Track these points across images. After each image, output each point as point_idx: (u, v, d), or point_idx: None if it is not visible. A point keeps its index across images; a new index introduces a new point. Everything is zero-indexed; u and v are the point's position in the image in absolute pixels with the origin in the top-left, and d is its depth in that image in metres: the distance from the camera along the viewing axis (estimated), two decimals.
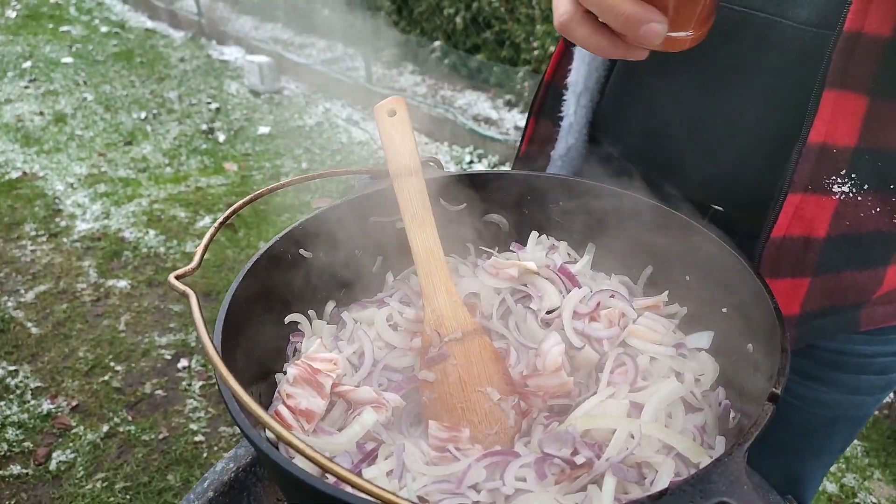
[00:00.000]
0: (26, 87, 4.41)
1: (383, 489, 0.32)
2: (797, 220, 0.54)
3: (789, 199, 0.53)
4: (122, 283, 2.50)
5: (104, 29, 5.67)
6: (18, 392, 2.05)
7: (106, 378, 2.09)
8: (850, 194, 0.56)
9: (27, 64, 4.83)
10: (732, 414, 0.44)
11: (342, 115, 3.94)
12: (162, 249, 2.69)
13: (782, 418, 0.81)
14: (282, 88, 4.33)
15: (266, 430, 0.40)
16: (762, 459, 0.83)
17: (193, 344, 2.22)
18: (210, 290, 2.45)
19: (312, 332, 0.53)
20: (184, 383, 2.08)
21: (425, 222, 0.51)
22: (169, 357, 2.17)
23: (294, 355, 0.52)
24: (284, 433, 0.34)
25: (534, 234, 0.58)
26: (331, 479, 0.38)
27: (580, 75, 0.71)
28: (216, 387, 2.06)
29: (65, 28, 5.69)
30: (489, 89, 3.85)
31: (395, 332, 0.51)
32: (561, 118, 0.71)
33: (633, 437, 0.40)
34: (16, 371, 2.12)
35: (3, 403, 2.01)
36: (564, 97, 0.71)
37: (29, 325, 2.31)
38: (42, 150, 3.55)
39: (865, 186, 0.57)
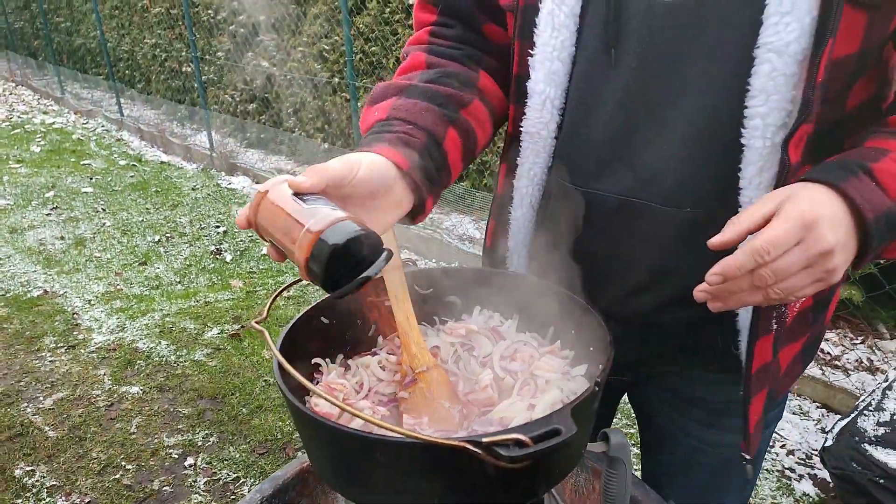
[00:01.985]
0: (48, 215, 4.80)
1: (378, 420, 0.56)
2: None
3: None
4: (135, 389, 2.71)
5: (122, 162, 6.18)
6: (35, 490, 2.20)
7: (117, 476, 2.25)
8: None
9: (50, 193, 5.26)
10: None
11: None
12: (172, 358, 2.92)
13: (698, 462, 1.03)
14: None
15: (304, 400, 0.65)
16: (694, 501, 1.05)
17: (200, 443, 2.40)
18: (216, 393, 2.66)
19: (329, 371, 0.79)
20: (189, 480, 2.24)
21: (405, 300, 0.79)
22: (176, 456, 2.35)
23: (316, 385, 0.77)
24: (311, 386, 0.59)
25: (477, 307, 0.86)
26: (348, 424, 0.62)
27: (524, 193, 0.96)
28: (220, 482, 2.22)
29: (86, 161, 6.21)
30: (473, 212, 4.26)
31: (383, 371, 0.77)
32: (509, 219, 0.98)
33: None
34: (32, 471, 2.28)
35: (19, 501, 2.16)
36: (512, 205, 0.97)
37: (46, 429, 2.50)
38: (62, 271, 3.85)
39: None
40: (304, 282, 0.77)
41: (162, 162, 6.18)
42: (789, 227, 0.61)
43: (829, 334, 3.00)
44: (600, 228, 0.82)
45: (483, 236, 1.24)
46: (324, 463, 0.67)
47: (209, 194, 5.20)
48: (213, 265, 3.91)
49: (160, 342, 3.05)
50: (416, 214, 0.76)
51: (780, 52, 0.67)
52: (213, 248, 4.15)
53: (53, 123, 7.95)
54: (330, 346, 0.81)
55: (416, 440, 0.55)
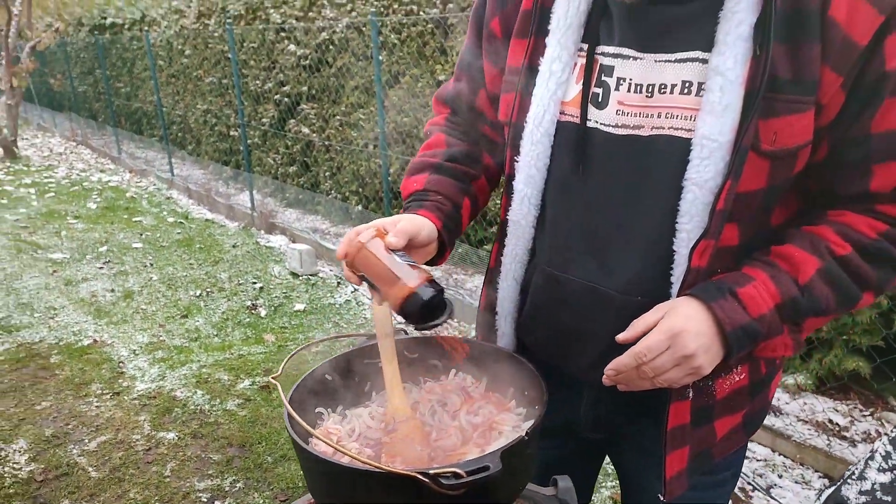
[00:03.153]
0: (101, 268, 5.17)
1: (362, 458, 0.76)
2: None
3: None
4: (171, 435, 2.93)
5: (171, 219, 6.60)
6: None
7: None
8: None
9: (103, 248, 5.66)
10: None
11: (368, 295, 4.54)
12: (206, 407, 3.14)
13: None
14: (318, 271, 5.00)
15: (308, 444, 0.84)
16: None
17: (227, 488, 2.59)
18: (245, 441, 2.86)
19: (328, 419, 0.98)
20: None
21: (393, 363, 0.98)
22: (205, 499, 2.53)
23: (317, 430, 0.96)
24: (312, 430, 0.79)
25: (453, 370, 1.04)
26: (341, 461, 0.81)
27: (509, 269, 1.16)
28: None
29: (137, 218, 6.65)
30: None
31: (372, 420, 0.96)
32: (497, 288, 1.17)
33: None
34: None
35: None
36: (500, 278, 1.17)
37: (90, 469, 2.72)
38: (111, 322, 4.16)
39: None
40: (322, 341, 0.98)
41: (207, 219, 6.58)
42: (660, 337, 0.84)
43: (838, 405, 3.06)
44: (570, 307, 1.01)
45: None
46: (320, 491, 0.86)
47: (248, 251, 5.52)
48: (248, 320, 4.16)
49: (196, 391, 3.28)
50: (437, 260, 1.06)
51: (700, 185, 0.87)
52: (249, 303, 4.42)
53: (109, 181, 8.52)
54: (333, 399, 1.01)
55: (384, 471, 0.74)
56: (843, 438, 2.86)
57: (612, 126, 0.93)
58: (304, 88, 5.97)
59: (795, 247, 0.89)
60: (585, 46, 0.95)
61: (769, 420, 2.97)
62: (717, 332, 0.85)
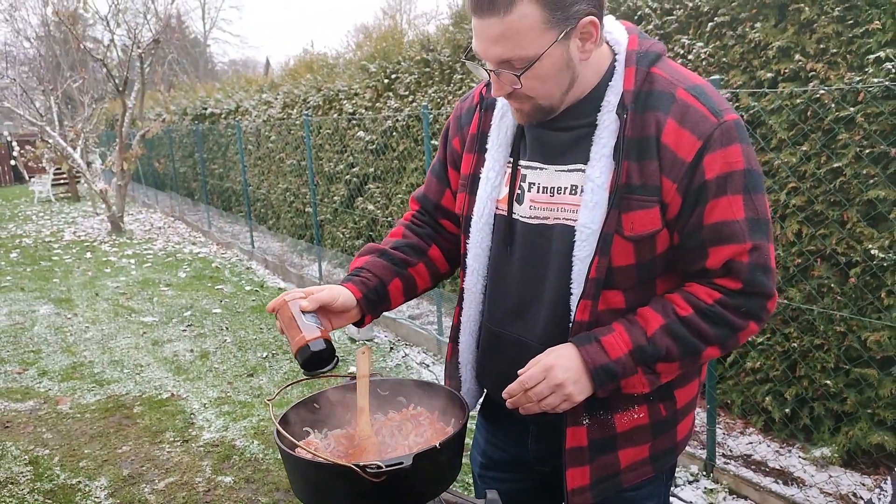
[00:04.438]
0: (184, 331, 5.75)
1: (332, 459, 1.06)
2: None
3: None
4: (228, 479, 3.28)
5: (248, 288, 7.22)
6: None
7: None
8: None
9: (188, 313, 6.28)
10: None
11: (417, 360, 4.85)
12: (260, 455, 3.49)
13: None
14: (374, 336, 5.37)
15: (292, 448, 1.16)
16: None
17: None
18: (290, 487, 3.17)
19: (311, 435, 1.29)
20: None
21: (365, 398, 1.28)
22: None
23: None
24: (292, 439, 1.10)
25: (412, 404, 1.33)
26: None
27: (466, 327, 1.47)
28: None
29: (219, 286, 7.31)
30: None
31: (344, 439, 1.27)
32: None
33: None
34: None
35: None
36: (460, 333, 1.47)
37: None
38: (188, 378, 4.64)
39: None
40: (318, 377, 1.30)
41: (279, 288, 7.16)
42: (538, 369, 1.14)
43: (865, 479, 3.05)
44: (506, 356, 1.31)
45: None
46: (297, 484, 1.16)
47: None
48: (306, 383, 4.54)
49: (253, 442, 3.65)
50: (360, 324, 1.36)
51: (581, 260, 1.17)
52: None
53: (199, 253, 9.38)
54: (319, 422, 1.33)
55: (332, 462, 1.04)
56: None
57: (528, 217, 1.24)
58: (371, 170, 6.55)
59: (650, 308, 1.16)
60: (511, 160, 1.29)
61: (789, 490, 3.00)
62: (585, 369, 1.13)
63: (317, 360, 1.16)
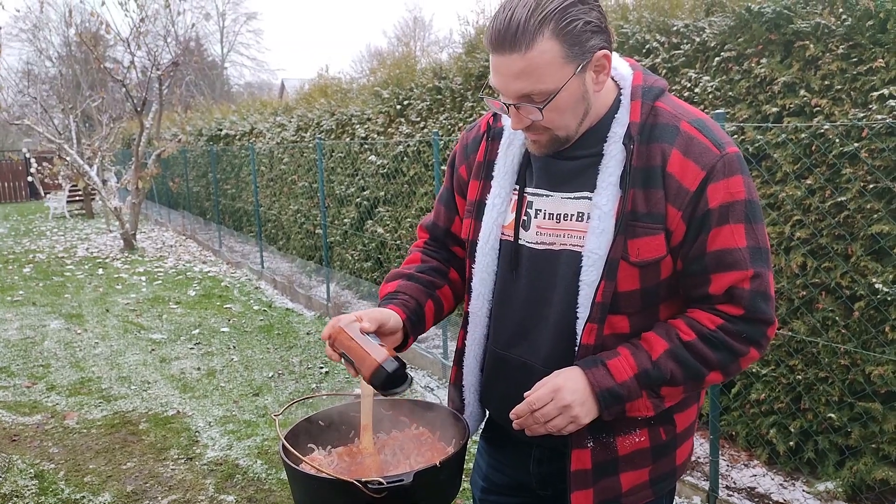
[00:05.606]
0: (192, 349, 5.79)
1: (335, 475, 1.09)
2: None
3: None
4: (230, 498, 3.29)
5: (256, 307, 7.28)
6: None
7: None
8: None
9: (196, 331, 6.33)
10: None
11: (421, 383, 4.86)
12: (263, 475, 3.51)
13: None
14: None
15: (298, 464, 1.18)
16: None
17: None
18: None
19: (316, 452, 1.32)
20: None
21: (368, 417, 1.32)
22: None
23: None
24: (298, 454, 1.13)
25: (414, 425, 1.37)
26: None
27: (471, 350, 1.49)
28: None
29: (228, 305, 7.37)
30: None
31: (347, 455, 1.30)
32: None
33: None
34: None
35: None
36: (465, 356, 1.50)
37: None
38: (194, 396, 4.68)
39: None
40: (321, 396, 1.34)
41: (287, 308, 7.21)
42: (546, 391, 1.17)
43: None
44: (511, 379, 1.34)
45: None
46: (300, 498, 1.19)
47: (320, 339, 6.02)
48: (310, 401, 4.57)
49: (257, 461, 3.67)
50: (402, 347, 1.37)
51: (588, 284, 1.21)
52: (314, 385, 4.84)
53: (209, 272, 9.46)
54: (324, 439, 1.36)
55: (335, 478, 1.08)
56: None
57: (534, 243, 1.29)
58: (381, 193, 6.63)
59: (654, 333, 1.20)
60: (517, 187, 1.34)
61: None
62: (591, 392, 1.16)
63: (392, 380, 1.16)
